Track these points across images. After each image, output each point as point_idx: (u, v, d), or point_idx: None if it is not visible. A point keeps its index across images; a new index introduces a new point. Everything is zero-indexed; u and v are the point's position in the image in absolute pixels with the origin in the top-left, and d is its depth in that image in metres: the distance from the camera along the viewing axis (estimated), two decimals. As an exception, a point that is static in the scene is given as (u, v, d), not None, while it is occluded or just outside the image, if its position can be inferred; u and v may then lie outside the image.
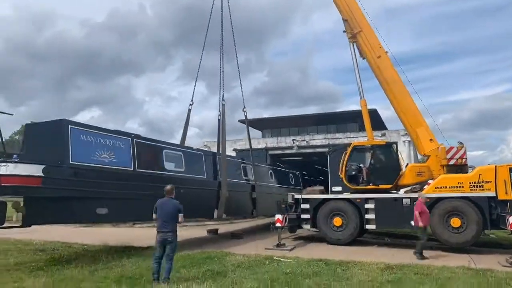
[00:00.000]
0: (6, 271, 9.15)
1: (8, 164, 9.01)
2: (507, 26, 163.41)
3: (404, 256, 11.16)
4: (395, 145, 15.43)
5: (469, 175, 13.29)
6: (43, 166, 9.39)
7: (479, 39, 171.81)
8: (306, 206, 14.93)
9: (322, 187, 17.08)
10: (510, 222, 11.13)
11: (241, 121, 41.45)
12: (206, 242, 14.72)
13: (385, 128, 35.14)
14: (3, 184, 8.90)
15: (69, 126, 10.24)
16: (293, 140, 32.03)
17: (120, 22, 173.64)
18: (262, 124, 43.30)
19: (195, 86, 18.11)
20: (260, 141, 34.06)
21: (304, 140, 31.68)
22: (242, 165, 18.33)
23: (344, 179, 14.92)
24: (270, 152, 33.07)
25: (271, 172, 21.05)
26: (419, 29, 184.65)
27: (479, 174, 12.87)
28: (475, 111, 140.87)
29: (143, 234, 16.44)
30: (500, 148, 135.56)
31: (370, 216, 13.88)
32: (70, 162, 9.96)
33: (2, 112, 10.05)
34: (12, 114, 10.69)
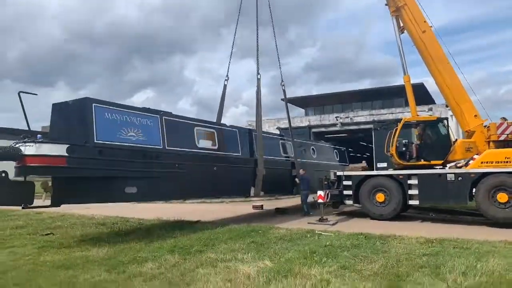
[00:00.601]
0: (74, 242, 10.24)
1: (32, 144, 8.89)
2: None
3: (447, 231, 11.15)
4: (446, 121, 15.16)
5: (517, 149, 12.96)
6: (67, 146, 9.24)
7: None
8: (348, 182, 15.17)
9: (364, 164, 17.16)
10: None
11: (283, 100, 41.61)
12: (252, 217, 15.39)
13: (433, 102, 33.97)
14: (28, 164, 8.89)
15: (93, 104, 9.97)
16: (336, 117, 31.80)
17: (174, 4, 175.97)
18: (305, 102, 43.02)
19: (230, 61, 17.30)
20: (303, 119, 34.16)
21: (347, 117, 31.38)
22: (281, 141, 18.03)
23: (394, 154, 14.88)
24: (314, 130, 33.08)
25: (313, 149, 20.63)
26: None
27: (528, 148, 12.54)
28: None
29: (193, 209, 17.41)
30: None
31: (413, 191, 13.87)
32: (95, 141, 9.74)
33: (27, 92, 9.54)
34: (36, 94, 10.08)
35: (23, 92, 9.39)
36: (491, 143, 13.71)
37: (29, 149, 8.83)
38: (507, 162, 12.68)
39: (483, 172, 12.78)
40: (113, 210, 16.93)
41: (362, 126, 30.78)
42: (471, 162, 13.75)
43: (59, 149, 9.14)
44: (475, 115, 14.43)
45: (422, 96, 32.51)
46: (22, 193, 9.18)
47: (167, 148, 11.60)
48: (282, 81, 18.05)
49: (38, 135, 9.20)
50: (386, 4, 16.50)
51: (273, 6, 17.16)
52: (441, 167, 14.61)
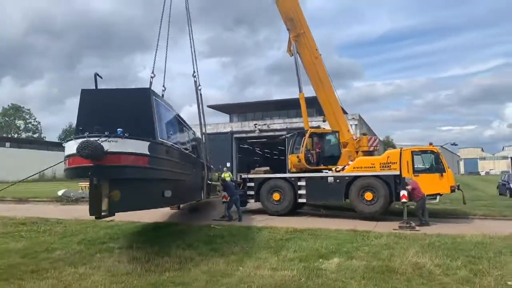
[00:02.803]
0: (-6, 238, 11.56)
1: (113, 139, 7.33)
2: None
3: (318, 223, 13.71)
4: (337, 133, 18.18)
5: (379, 157, 16.13)
6: (148, 143, 8.07)
7: (483, 12, 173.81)
8: (251, 184, 17.62)
9: (267, 168, 19.74)
10: (401, 195, 13.86)
11: (209, 106, 44.30)
12: (169, 216, 16.97)
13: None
14: (110, 164, 7.29)
15: (153, 97, 9.01)
16: (254, 124, 34.73)
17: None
18: (229, 109, 46.61)
19: (155, 57, 14.36)
20: (226, 126, 36.78)
21: (265, 124, 34.40)
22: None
23: (302, 159, 17.30)
24: (236, 135, 35.70)
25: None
26: (418, 4, 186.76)
27: (388, 156, 15.69)
28: (475, 86, 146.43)
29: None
30: (494, 122, 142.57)
31: (302, 191, 16.60)
32: (158, 138, 8.70)
33: (100, 76, 8.59)
34: (101, 78, 8.95)
35: (99, 76, 8.73)
36: (359, 152, 16.89)
37: (114, 145, 7.33)
38: (372, 167, 15.77)
39: (355, 176, 15.76)
40: (34, 211, 18.05)
41: (278, 133, 33.86)
42: (347, 167, 16.74)
43: (143, 147, 7.95)
44: (348, 130, 17.63)
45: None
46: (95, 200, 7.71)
47: (181, 149, 11.08)
48: (199, 85, 16.21)
49: (119, 129, 7.52)
50: (288, 29, 19.14)
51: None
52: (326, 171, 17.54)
